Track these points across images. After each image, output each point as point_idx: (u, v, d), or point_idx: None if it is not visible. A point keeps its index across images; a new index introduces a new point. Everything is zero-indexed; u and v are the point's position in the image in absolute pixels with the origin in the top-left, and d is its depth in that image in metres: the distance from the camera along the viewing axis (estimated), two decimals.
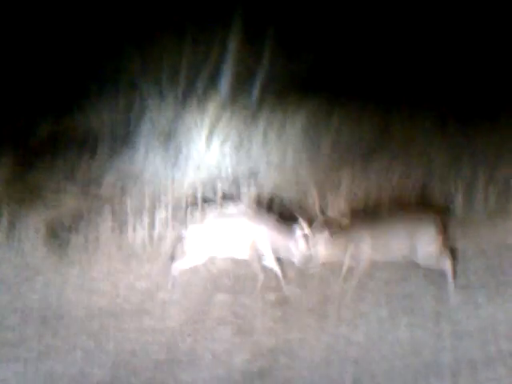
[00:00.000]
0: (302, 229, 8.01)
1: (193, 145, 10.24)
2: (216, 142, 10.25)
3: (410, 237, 7.95)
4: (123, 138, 10.51)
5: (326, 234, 7.99)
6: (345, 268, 8.07)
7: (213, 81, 11.13)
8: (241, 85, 11.20)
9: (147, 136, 10.39)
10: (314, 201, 8.99)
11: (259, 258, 8.12)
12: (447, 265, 7.97)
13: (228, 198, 9.11)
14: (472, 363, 7.04)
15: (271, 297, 8.01)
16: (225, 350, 7.31)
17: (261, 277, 8.07)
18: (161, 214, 8.72)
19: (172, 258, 8.33)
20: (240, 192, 9.23)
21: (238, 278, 8.27)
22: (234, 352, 7.27)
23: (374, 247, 8.03)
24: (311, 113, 10.72)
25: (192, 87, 11.08)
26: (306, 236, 8.00)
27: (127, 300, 7.95)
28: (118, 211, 8.94)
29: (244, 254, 8.16)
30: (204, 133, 10.28)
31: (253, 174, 9.81)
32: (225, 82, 11.07)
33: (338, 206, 8.96)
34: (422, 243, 7.93)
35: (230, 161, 10.07)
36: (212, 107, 10.58)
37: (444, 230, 8.18)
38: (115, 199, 9.25)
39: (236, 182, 9.59)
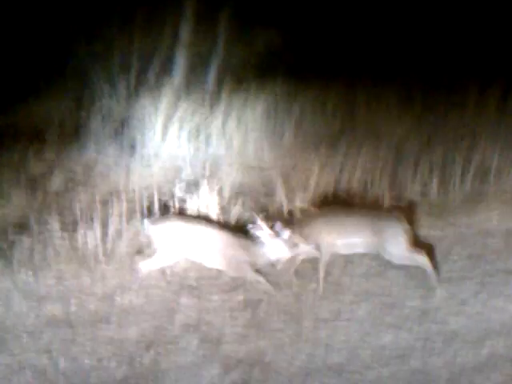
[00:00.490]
0: (260, 230, 7.17)
1: (148, 135, 9.32)
2: (172, 131, 9.34)
3: (377, 236, 7.22)
4: (73, 131, 9.47)
5: (287, 232, 7.13)
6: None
7: (166, 68, 10.17)
8: (196, 72, 10.26)
9: (99, 128, 9.38)
10: (279, 189, 8.26)
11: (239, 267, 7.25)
12: (423, 261, 7.21)
13: (187, 189, 8.20)
14: (465, 369, 6.18)
15: (239, 298, 7.12)
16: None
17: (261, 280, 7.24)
18: (115, 210, 7.76)
19: (134, 257, 7.39)
20: (200, 183, 8.32)
21: (202, 278, 7.34)
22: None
23: (338, 242, 7.31)
24: (271, 98, 9.87)
25: (144, 75, 10.14)
26: (265, 237, 7.15)
27: (82, 307, 6.95)
28: (68, 209, 8.00)
29: (216, 263, 7.32)
30: (159, 122, 9.36)
31: (213, 163, 8.92)
32: (178, 69, 10.14)
33: (304, 195, 8.23)
34: (390, 244, 7.19)
35: (188, 150, 9.19)
36: (166, 95, 9.64)
37: (411, 228, 7.40)
38: (66, 196, 8.29)
39: (195, 173, 8.70)
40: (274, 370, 6.21)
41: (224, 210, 8.03)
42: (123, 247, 7.53)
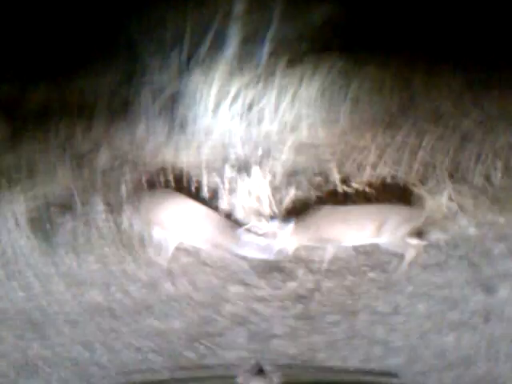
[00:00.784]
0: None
1: (199, 111, 8.78)
2: (224, 107, 8.79)
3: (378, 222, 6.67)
4: (122, 107, 8.91)
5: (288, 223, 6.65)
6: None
7: (219, 43, 9.56)
8: (250, 46, 9.62)
9: (148, 103, 8.84)
10: (333, 169, 7.78)
11: None
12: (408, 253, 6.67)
13: (238, 168, 7.69)
14: None
15: (290, 287, 6.57)
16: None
17: None
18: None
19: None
20: (251, 162, 7.81)
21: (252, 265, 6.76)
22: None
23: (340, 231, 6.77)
24: (327, 74, 9.19)
25: (196, 50, 9.51)
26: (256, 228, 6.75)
27: (125, 294, 6.48)
28: (114, 189, 7.54)
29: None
30: (211, 98, 8.82)
31: (265, 141, 8.42)
32: (231, 44, 9.54)
33: (360, 176, 7.71)
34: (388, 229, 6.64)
35: (240, 127, 8.63)
36: (219, 70, 9.06)
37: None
38: (112, 175, 7.84)
39: (246, 151, 8.18)
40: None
41: (276, 189, 7.54)
42: None
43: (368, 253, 6.89)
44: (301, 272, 6.70)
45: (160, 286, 6.55)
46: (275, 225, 6.65)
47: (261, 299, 6.41)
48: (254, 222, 6.81)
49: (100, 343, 5.91)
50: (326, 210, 6.89)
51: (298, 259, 6.83)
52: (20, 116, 8.73)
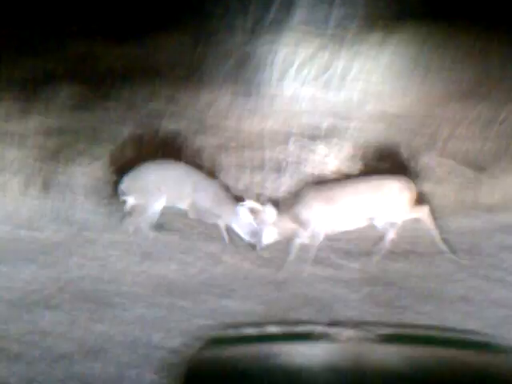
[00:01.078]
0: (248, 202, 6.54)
1: (265, 77, 8.43)
2: (290, 74, 8.44)
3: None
4: (187, 72, 8.57)
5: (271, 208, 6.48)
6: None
7: (286, 7, 9.12)
8: (318, 13, 9.14)
9: (215, 66, 8.54)
10: (403, 143, 7.48)
11: None
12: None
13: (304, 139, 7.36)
14: None
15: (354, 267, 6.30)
16: None
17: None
18: (226, 160, 7.03)
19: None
20: (317, 134, 7.48)
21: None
22: None
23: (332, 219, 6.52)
24: (398, 45, 8.68)
25: (264, 13, 9.11)
26: (252, 210, 6.49)
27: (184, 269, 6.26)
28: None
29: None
30: (277, 64, 8.46)
31: (331, 112, 8.04)
32: (299, 9, 9.09)
33: (431, 150, 7.43)
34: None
35: (306, 96, 8.25)
36: (286, 35, 8.70)
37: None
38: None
39: (312, 122, 7.83)
40: None
41: (344, 162, 7.30)
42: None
43: None
44: None
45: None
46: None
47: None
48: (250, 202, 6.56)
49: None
50: None
51: None
52: (87, 78, 8.49)
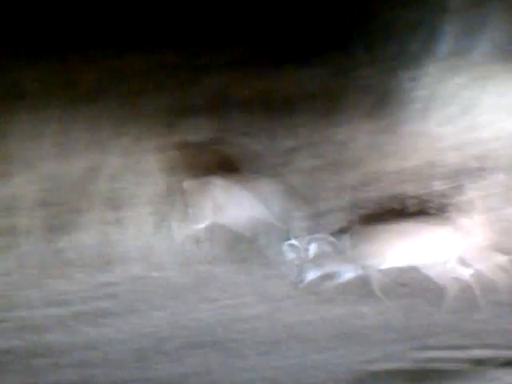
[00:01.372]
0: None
1: (407, 113, 8.05)
2: (435, 109, 8.05)
3: None
4: (327, 103, 8.30)
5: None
6: None
7: (431, 38, 8.73)
8: (465, 43, 8.72)
9: (354, 101, 8.22)
10: None
11: None
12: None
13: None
14: None
15: None
16: None
17: None
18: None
19: None
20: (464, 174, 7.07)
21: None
22: None
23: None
24: None
25: (407, 46, 8.73)
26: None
27: None
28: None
29: None
30: (421, 99, 8.09)
31: (479, 151, 7.64)
32: (445, 41, 8.71)
33: None
34: None
35: (451, 134, 7.83)
36: (430, 68, 8.32)
37: None
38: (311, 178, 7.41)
39: (458, 162, 7.39)
40: None
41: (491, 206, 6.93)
42: None
43: None
44: None
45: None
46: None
47: None
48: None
49: None
50: None
51: None
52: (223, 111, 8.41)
